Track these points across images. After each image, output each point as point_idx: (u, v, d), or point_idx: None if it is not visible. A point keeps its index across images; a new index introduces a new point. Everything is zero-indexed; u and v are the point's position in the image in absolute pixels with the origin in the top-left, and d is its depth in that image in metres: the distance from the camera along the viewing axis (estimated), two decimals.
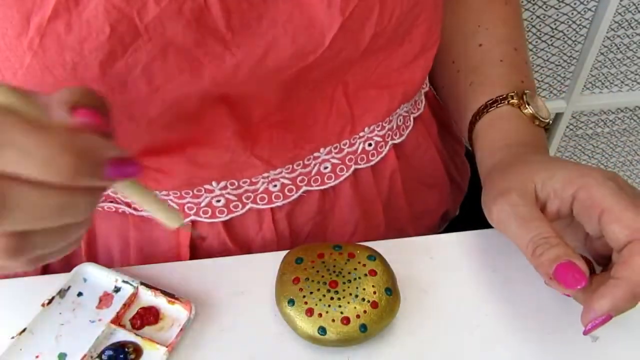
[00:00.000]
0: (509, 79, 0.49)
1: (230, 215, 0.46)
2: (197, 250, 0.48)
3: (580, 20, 0.96)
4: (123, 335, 0.40)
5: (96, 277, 0.43)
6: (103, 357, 0.38)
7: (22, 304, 0.42)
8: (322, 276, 0.39)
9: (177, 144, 0.40)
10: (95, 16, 0.32)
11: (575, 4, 0.93)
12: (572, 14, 0.94)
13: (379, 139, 0.48)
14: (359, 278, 0.39)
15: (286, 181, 0.46)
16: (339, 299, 0.38)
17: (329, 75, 0.42)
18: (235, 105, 0.39)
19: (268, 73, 0.37)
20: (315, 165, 0.46)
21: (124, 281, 0.42)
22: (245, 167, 0.43)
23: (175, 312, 0.41)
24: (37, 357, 0.39)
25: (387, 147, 0.49)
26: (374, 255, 0.40)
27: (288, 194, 0.47)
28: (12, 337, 0.39)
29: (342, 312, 0.38)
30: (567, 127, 1.13)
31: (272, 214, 0.47)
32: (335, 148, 0.46)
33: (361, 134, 0.47)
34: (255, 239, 0.48)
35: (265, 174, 0.45)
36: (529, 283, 0.43)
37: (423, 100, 0.54)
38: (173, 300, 0.41)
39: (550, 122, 0.47)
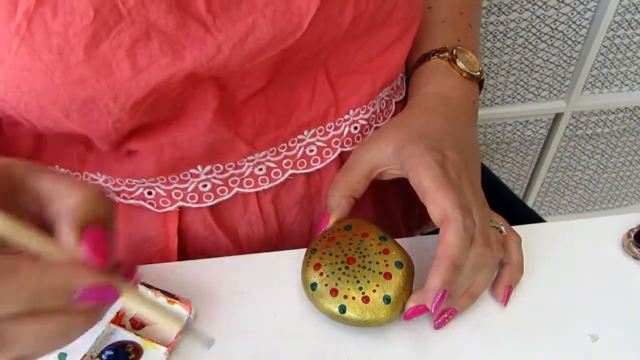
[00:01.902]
0: (446, 36, 0.52)
1: (216, 200, 0.47)
2: (185, 236, 0.48)
3: (580, 20, 0.96)
4: (123, 335, 0.40)
5: None
6: (103, 357, 0.38)
7: None
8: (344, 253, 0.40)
9: (161, 125, 0.41)
10: (79, 1, 0.34)
11: (575, 4, 0.93)
12: (572, 14, 0.94)
13: (364, 122, 0.49)
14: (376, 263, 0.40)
15: (272, 164, 0.47)
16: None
17: (311, 59, 0.43)
18: (218, 87, 0.40)
19: (249, 55, 0.38)
20: (300, 148, 0.47)
21: None
22: (229, 149, 0.44)
23: (175, 312, 0.41)
24: None
25: (372, 131, 0.50)
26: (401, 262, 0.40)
27: (274, 177, 0.47)
28: None
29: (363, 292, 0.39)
30: (567, 127, 1.13)
31: (257, 199, 0.48)
32: (320, 131, 0.47)
33: (346, 116, 0.48)
34: (241, 223, 0.49)
35: (250, 157, 0.45)
36: (528, 283, 0.43)
37: (405, 86, 0.55)
38: (173, 300, 0.41)
39: (482, 75, 0.52)
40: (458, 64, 0.49)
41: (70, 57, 0.35)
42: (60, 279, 0.25)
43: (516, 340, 0.40)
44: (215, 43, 0.37)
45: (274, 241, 0.50)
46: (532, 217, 0.66)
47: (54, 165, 0.46)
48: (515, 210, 0.68)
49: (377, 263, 0.40)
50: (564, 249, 0.45)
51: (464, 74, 0.49)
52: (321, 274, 0.40)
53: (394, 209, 0.55)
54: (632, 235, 0.45)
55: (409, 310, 0.39)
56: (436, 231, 0.59)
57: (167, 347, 0.39)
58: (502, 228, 0.43)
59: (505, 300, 0.41)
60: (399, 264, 0.40)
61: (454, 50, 0.50)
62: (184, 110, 0.40)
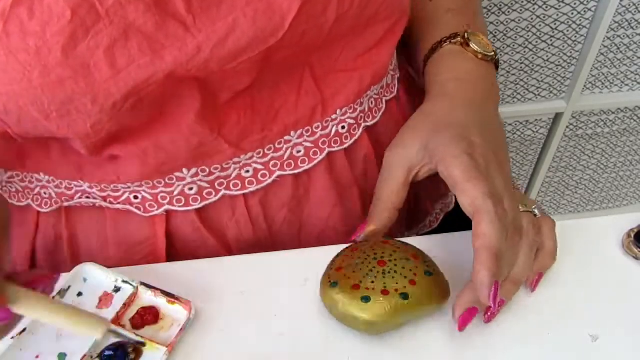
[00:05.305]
0: (454, 24, 0.52)
1: (203, 203, 0.46)
2: (173, 239, 0.48)
3: (580, 20, 0.96)
4: (123, 335, 0.40)
5: (96, 277, 0.43)
6: (103, 357, 0.38)
7: None
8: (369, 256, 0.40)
9: (142, 128, 0.41)
10: (56, 1, 0.33)
11: (575, 4, 0.93)
12: (572, 14, 0.94)
13: (351, 121, 0.48)
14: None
15: (259, 166, 0.46)
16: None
17: (294, 59, 0.43)
18: (200, 88, 0.40)
19: (230, 55, 0.38)
20: (287, 149, 0.47)
21: (123, 281, 0.42)
22: (213, 151, 0.43)
23: (175, 312, 0.41)
24: (37, 357, 0.39)
25: (360, 130, 0.49)
26: (431, 271, 0.40)
27: (261, 179, 0.47)
28: (12, 337, 0.39)
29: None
30: (567, 127, 1.13)
31: (245, 201, 0.47)
32: (307, 131, 0.47)
33: (333, 116, 0.47)
34: (229, 225, 0.48)
35: (236, 159, 0.45)
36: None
37: (396, 85, 0.54)
38: (173, 300, 0.41)
39: (497, 55, 0.52)
40: (472, 46, 0.49)
41: (48, 58, 0.34)
42: None
43: (516, 340, 0.40)
44: (195, 43, 0.37)
45: (263, 243, 0.50)
46: None
47: (38, 172, 0.45)
48: None
49: (404, 268, 0.39)
50: (563, 249, 0.45)
51: (479, 56, 0.49)
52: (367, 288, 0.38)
53: None
54: (632, 235, 0.45)
55: (460, 319, 0.38)
56: (435, 231, 0.59)
57: (167, 347, 0.39)
58: (536, 211, 0.42)
59: (533, 286, 0.41)
60: (428, 273, 0.39)
61: (466, 34, 0.49)
62: (165, 111, 0.40)
